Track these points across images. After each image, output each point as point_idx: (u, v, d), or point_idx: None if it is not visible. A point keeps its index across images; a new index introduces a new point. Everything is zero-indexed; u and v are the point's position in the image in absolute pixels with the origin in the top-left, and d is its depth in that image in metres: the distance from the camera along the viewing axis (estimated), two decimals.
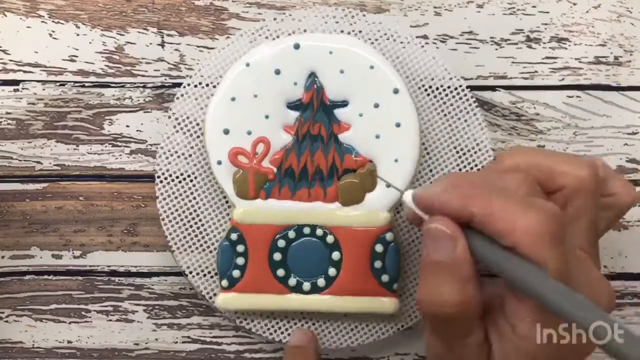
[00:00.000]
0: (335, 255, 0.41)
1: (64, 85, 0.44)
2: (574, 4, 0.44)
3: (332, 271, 0.41)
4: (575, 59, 0.44)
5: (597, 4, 0.44)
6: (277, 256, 0.41)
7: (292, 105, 0.41)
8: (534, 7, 0.44)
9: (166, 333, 0.44)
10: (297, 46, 0.41)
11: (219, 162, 0.41)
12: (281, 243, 0.41)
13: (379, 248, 0.40)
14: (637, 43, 0.44)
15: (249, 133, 0.41)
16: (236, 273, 0.41)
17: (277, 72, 0.41)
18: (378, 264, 0.40)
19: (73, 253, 0.44)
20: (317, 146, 0.41)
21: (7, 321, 0.44)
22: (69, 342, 0.44)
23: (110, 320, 0.44)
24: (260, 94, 0.41)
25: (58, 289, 0.44)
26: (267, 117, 0.41)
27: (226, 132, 0.41)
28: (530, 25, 0.44)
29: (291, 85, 0.41)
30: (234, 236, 0.41)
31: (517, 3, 0.44)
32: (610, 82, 0.44)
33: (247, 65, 0.41)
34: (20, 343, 0.44)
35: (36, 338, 0.44)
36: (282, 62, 0.41)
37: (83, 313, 0.44)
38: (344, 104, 0.41)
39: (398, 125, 0.40)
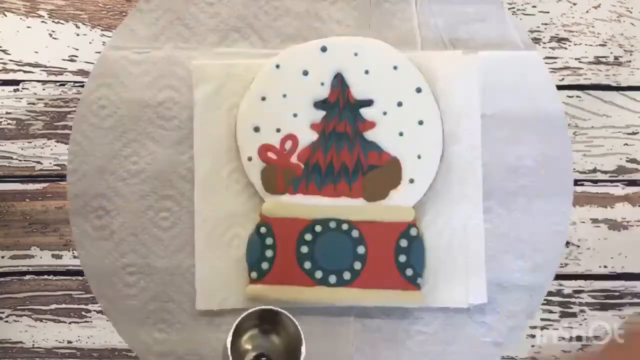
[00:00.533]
0: (360, 249, 0.41)
1: (64, 85, 0.44)
2: (574, 4, 0.44)
3: (357, 265, 0.41)
4: (575, 59, 0.44)
5: (597, 4, 0.44)
6: (304, 249, 0.41)
7: (319, 104, 0.42)
8: (534, 7, 0.44)
9: None
10: (324, 49, 0.42)
11: (249, 159, 0.42)
12: (308, 237, 0.41)
13: (403, 243, 0.41)
14: (637, 43, 0.44)
15: (278, 130, 0.42)
16: (265, 265, 0.41)
17: (305, 73, 0.42)
18: (402, 258, 0.41)
19: (73, 253, 0.44)
20: (342, 143, 0.42)
21: (7, 321, 0.44)
22: (69, 342, 0.44)
23: (110, 320, 0.44)
24: (288, 93, 0.42)
25: (58, 289, 0.44)
26: (295, 115, 0.42)
27: (256, 129, 0.42)
28: (530, 25, 0.44)
29: (318, 86, 0.42)
30: (262, 229, 0.41)
31: (517, 3, 0.44)
32: (610, 82, 0.44)
33: (277, 67, 0.42)
34: (20, 343, 0.44)
35: (36, 338, 0.44)
36: (309, 64, 0.42)
37: (83, 313, 0.44)
38: (368, 103, 0.42)
39: (421, 122, 0.42)
